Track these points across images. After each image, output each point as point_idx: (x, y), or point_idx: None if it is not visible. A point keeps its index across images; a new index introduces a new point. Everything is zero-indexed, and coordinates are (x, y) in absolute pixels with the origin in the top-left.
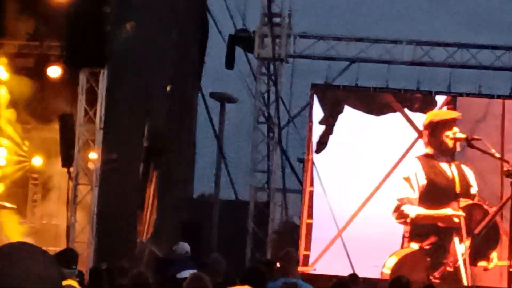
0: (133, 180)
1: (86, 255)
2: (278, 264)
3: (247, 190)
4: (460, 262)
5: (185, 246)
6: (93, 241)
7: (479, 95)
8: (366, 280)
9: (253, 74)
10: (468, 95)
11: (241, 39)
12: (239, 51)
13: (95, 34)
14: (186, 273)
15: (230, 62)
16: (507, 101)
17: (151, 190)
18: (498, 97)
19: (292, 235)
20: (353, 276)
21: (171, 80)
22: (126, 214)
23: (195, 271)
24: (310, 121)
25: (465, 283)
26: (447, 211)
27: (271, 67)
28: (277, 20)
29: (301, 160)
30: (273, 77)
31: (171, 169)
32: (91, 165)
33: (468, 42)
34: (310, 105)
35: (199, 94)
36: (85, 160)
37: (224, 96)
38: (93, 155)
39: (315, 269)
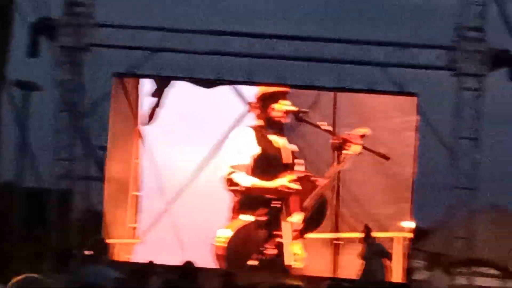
0: None
1: None
2: (86, 252)
3: (51, 178)
4: (285, 239)
5: None
6: None
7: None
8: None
9: (57, 62)
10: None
11: (44, 28)
12: (43, 40)
13: None
14: None
15: (33, 51)
16: None
17: None
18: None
19: (95, 223)
20: (150, 263)
21: None
22: None
23: None
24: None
25: (286, 261)
26: (281, 181)
27: (74, 55)
28: (80, 9)
29: (103, 148)
30: (76, 66)
31: None
32: None
33: (266, 32)
34: (112, 93)
35: (3, 82)
36: None
37: (28, 84)
38: None
39: (141, 241)
